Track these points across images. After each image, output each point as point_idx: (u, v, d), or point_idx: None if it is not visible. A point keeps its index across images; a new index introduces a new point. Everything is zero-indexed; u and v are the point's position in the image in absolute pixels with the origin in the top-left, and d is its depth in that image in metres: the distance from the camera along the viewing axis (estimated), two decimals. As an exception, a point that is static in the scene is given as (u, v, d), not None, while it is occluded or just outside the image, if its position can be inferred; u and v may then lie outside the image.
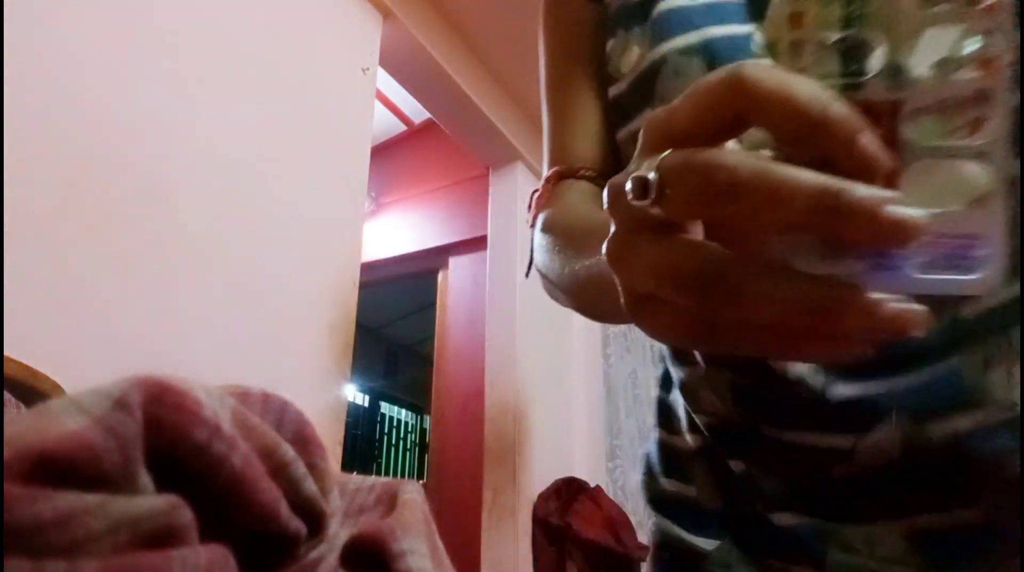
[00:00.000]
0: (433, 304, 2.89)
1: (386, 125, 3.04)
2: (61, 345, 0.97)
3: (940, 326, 0.33)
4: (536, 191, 0.54)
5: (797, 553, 0.38)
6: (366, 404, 5.47)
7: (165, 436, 0.16)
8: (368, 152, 1.75)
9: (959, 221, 0.20)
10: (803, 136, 0.19)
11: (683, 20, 0.44)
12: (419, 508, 0.24)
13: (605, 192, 0.23)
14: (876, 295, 0.19)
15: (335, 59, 1.69)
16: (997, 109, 0.19)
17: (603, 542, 2.24)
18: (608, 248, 0.23)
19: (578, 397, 2.78)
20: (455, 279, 2.81)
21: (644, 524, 2.74)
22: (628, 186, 0.21)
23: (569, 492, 2.38)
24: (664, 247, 0.21)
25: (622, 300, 0.24)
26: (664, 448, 0.49)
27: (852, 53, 0.21)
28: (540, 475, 2.36)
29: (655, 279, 0.21)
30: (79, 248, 1.04)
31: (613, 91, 0.50)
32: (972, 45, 0.19)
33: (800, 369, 0.37)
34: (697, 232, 0.22)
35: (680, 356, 0.46)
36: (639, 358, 2.93)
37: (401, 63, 2.09)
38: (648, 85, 0.45)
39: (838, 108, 0.19)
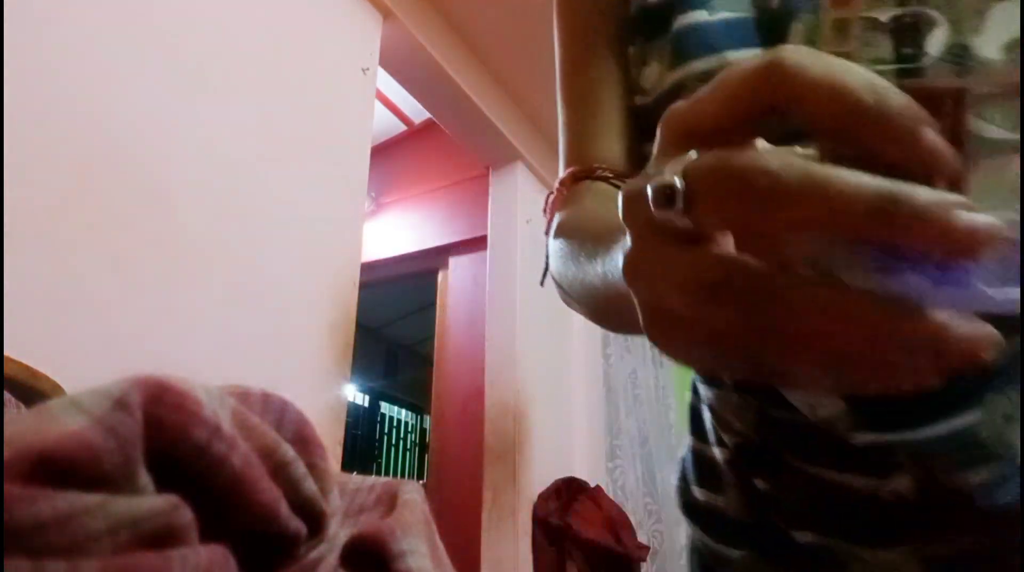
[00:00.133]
0: (433, 304, 2.89)
1: (386, 125, 3.04)
2: (61, 345, 0.97)
3: (963, 379, 0.32)
4: (550, 194, 0.51)
5: (819, 570, 0.39)
6: (366, 404, 5.47)
7: (165, 436, 0.16)
8: (368, 152, 1.75)
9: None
10: (854, 131, 0.17)
11: (702, 42, 0.42)
12: (419, 508, 0.24)
13: (620, 199, 0.21)
14: (944, 315, 0.16)
15: (335, 59, 1.69)
16: None
17: (603, 542, 2.24)
18: (626, 263, 0.21)
19: (578, 397, 2.78)
20: (455, 279, 2.81)
21: (644, 524, 2.74)
22: (649, 194, 0.19)
23: (569, 492, 2.38)
24: (693, 261, 0.18)
25: (641, 320, 0.21)
26: (696, 456, 0.49)
27: (907, 33, 0.18)
28: (540, 475, 2.36)
29: (683, 297, 0.18)
30: (79, 248, 1.04)
31: (638, 101, 0.48)
32: None
33: (826, 412, 0.37)
34: (726, 242, 0.19)
35: (708, 376, 0.46)
36: (639, 358, 2.93)
37: (401, 63, 2.09)
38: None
39: (896, 97, 0.16)
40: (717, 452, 0.46)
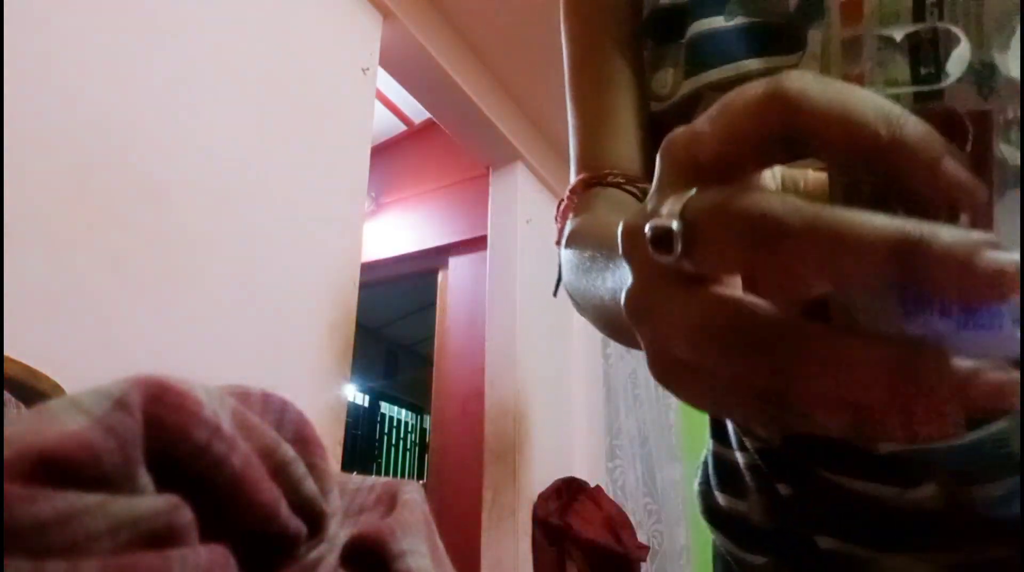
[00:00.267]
0: (433, 304, 2.89)
1: (386, 125, 3.03)
2: (61, 345, 0.97)
3: None
4: (561, 201, 0.49)
5: None
6: (366, 404, 5.47)
7: (165, 436, 0.16)
8: (368, 152, 1.75)
9: None
10: (868, 163, 0.15)
11: (717, 50, 0.41)
12: (419, 508, 0.24)
13: (619, 235, 0.20)
14: (969, 361, 0.15)
15: (335, 59, 1.69)
16: None
17: (603, 542, 2.24)
18: (627, 300, 0.19)
19: (578, 397, 2.78)
20: (455, 279, 2.81)
21: (644, 524, 2.74)
22: (647, 234, 0.18)
23: (569, 492, 2.38)
24: (697, 304, 0.17)
25: (647, 362, 0.20)
26: (718, 460, 0.48)
27: (925, 52, 0.17)
28: (540, 475, 2.36)
29: (686, 341, 0.17)
30: (79, 248, 1.04)
31: (653, 107, 0.47)
32: None
33: None
34: (733, 282, 0.18)
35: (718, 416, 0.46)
36: (639, 358, 2.93)
37: (401, 63, 2.09)
38: (684, 120, 0.42)
39: (912, 127, 0.15)
40: (739, 456, 0.45)
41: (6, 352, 0.78)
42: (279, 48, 1.51)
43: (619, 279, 0.31)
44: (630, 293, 0.19)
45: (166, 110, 1.22)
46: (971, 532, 0.34)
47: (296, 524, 0.20)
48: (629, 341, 0.42)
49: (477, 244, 2.71)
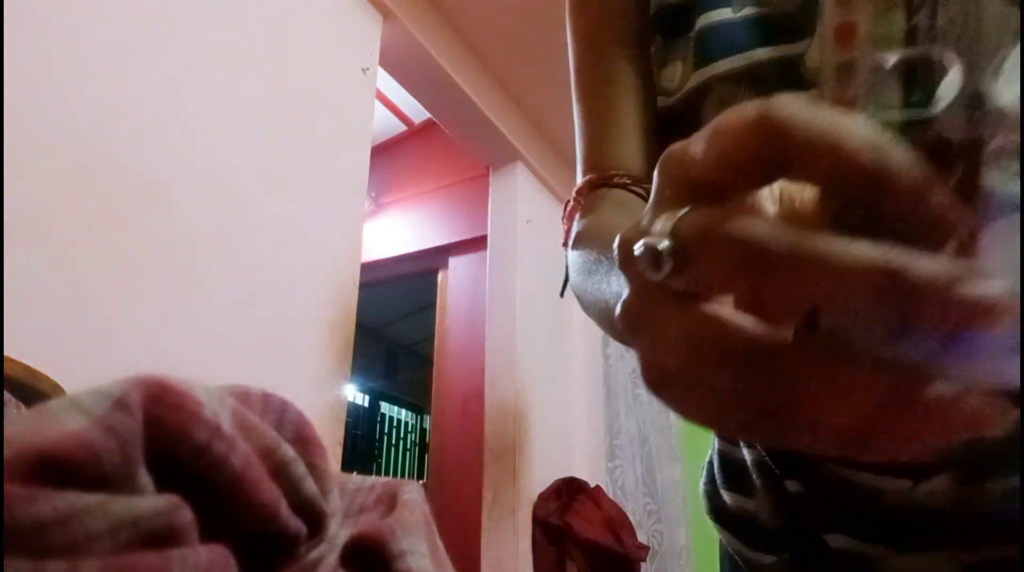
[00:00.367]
0: (433, 304, 2.89)
1: (386, 125, 3.04)
2: (61, 345, 0.97)
3: None
4: (568, 202, 0.49)
5: None
6: (366, 404, 5.47)
7: (165, 436, 0.16)
8: (368, 152, 1.75)
9: None
10: (854, 190, 0.15)
11: (726, 41, 0.41)
12: (419, 508, 0.24)
13: (615, 249, 0.20)
14: (952, 387, 0.15)
15: (335, 59, 1.69)
16: None
17: (603, 542, 2.24)
18: (622, 313, 0.20)
19: (578, 397, 2.78)
20: (455, 279, 2.81)
21: (644, 524, 2.74)
22: (638, 252, 0.18)
23: (569, 492, 2.38)
24: (686, 320, 0.17)
25: (641, 373, 0.20)
26: (724, 459, 0.48)
27: (917, 77, 0.16)
28: (540, 475, 2.36)
29: (677, 357, 0.18)
30: (79, 248, 1.04)
31: (660, 102, 0.46)
32: None
33: None
34: (726, 300, 0.18)
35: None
36: (639, 358, 2.93)
37: (401, 63, 2.09)
38: (693, 113, 0.43)
39: (899, 156, 0.15)
40: (746, 453, 0.45)
41: (6, 352, 0.78)
42: (279, 48, 1.51)
43: (621, 285, 0.31)
44: (625, 305, 0.20)
45: (166, 110, 1.22)
46: (986, 529, 0.33)
47: (296, 524, 0.20)
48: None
49: (477, 244, 2.71)
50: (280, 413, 0.21)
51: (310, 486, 0.20)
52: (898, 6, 0.16)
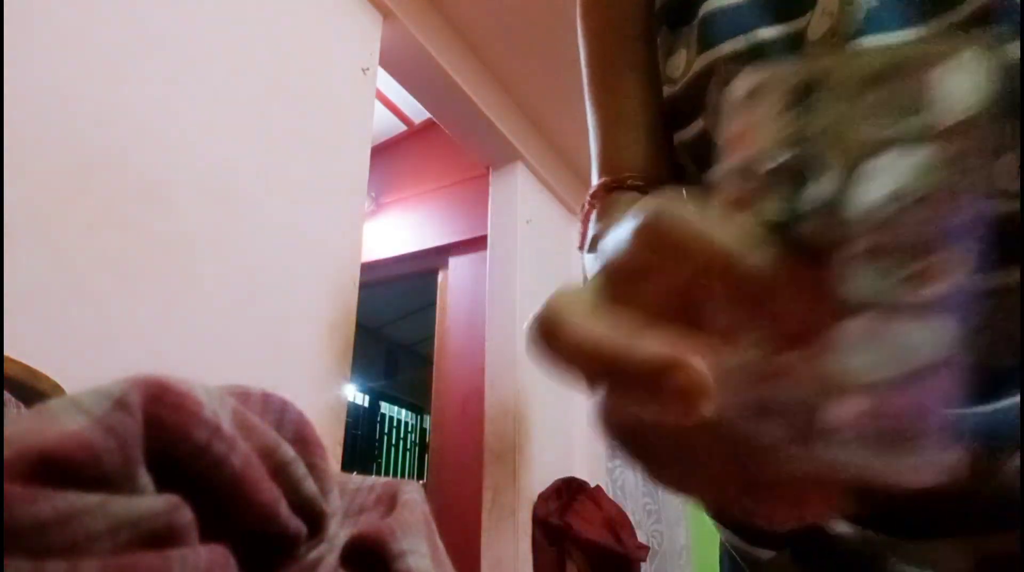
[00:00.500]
0: (433, 304, 2.89)
1: (386, 125, 3.04)
2: (61, 345, 0.97)
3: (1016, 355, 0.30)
4: (583, 205, 0.49)
5: (858, 568, 0.36)
6: (366, 404, 5.47)
7: (165, 436, 0.16)
8: (368, 152, 1.75)
9: (900, 393, 0.16)
10: (716, 291, 0.19)
11: (730, 23, 0.41)
12: (419, 508, 0.24)
13: None
14: (790, 473, 0.17)
15: (335, 59, 1.69)
16: (959, 255, 0.15)
17: (603, 542, 2.24)
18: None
19: (578, 397, 2.78)
20: (455, 279, 2.81)
21: (644, 524, 2.74)
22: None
23: (569, 492, 2.38)
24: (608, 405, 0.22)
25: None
26: None
27: (794, 179, 0.17)
28: (540, 475, 2.36)
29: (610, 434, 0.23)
30: (79, 248, 1.04)
31: (666, 91, 0.47)
32: (936, 174, 0.15)
33: None
34: None
35: None
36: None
37: (401, 63, 2.09)
38: (698, 94, 0.43)
39: (753, 259, 0.17)
40: None
41: (6, 352, 0.78)
42: (279, 48, 1.51)
43: None
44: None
45: (166, 110, 1.22)
46: (1003, 514, 0.31)
47: (296, 524, 0.20)
48: None
49: (477, 244, 2.71)
50: (280, 413, 0.21)
51: (310, 486, 0.20)
52: (779, 115, 0.17)
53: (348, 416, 1.62)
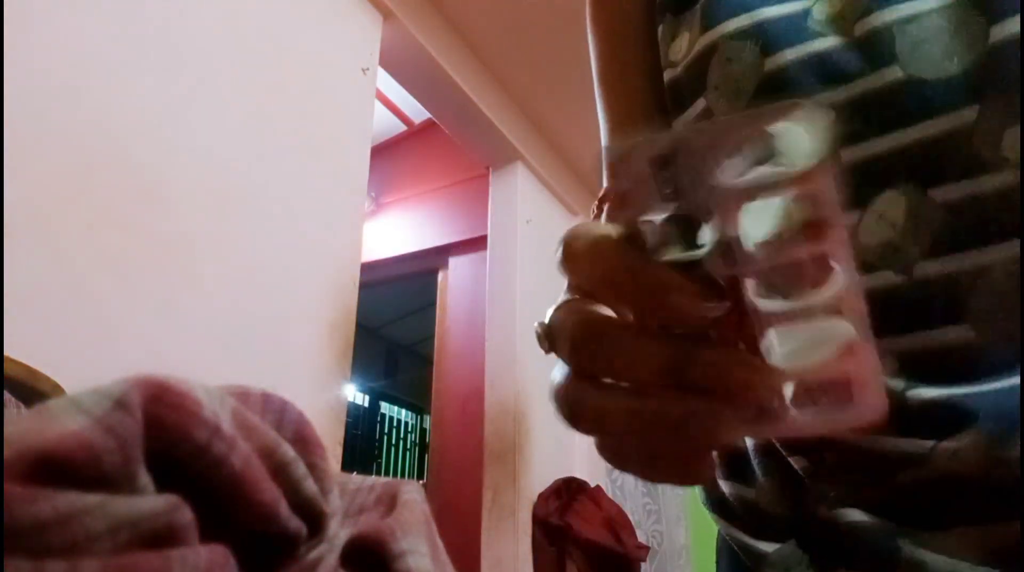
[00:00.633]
0: (433, 304, 2.89)
1: (386, 125, 3.04)
2: (61, 345, 0.97)
3: None
4: (593, 207, 0.50)
5: (867, 557, 0.35)
6: (366, 404, 5.47)
7: (165, 436, 0.16)
8: (368, 152, 1.75)
9: (829, 368, 0.20)
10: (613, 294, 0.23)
11: (734, 3, 0.42)
12: (419, 508, 0.24)
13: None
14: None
15: (335, 59, 1.69)
16: (837, 265, 0.20)
17: (603, 542, 2.24)
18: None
19: (578, 397, 2.78)
20: (455, 279, 2.81)
21: (643, 524, 2.74)
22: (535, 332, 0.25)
23: (569, 492, 2.38)
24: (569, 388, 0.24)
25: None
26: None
27: (684, 227, 0.21)
28: (540, 475, 2.36)
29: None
30: (79, 248, 1.04)
31: (667, 76, 0.47)
32: (798, 211, 0.19)
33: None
34: None
35: None
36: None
37: (401, 63, 2.09)
38: (700, 73, 0.43)
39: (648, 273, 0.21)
40: (746, 438, 0.43)
41: (6, 352, 0.78)
42: (279, 48, 1.51)
43: None
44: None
45: (165, 110, 1.22)
46: (1018, 500, 0.30)
47: (296, 524, 0.20)
48: None
49: (477, 244, 2.71)
50: (280, 413, 0.21)
51: (310, 486, 0.20)
52: (652, 176, 0.20)
53: (348, 416, 1.62)
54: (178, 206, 1.21)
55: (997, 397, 0.30)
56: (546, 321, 0.24)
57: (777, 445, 0.40)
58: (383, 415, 5.65)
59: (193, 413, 0.17)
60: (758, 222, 0.20)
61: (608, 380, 0.22)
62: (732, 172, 0.20)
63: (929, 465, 0.32)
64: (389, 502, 0.24)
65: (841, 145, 0.37)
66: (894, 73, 0.36)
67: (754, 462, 0.43)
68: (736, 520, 0.44)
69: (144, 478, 0.15)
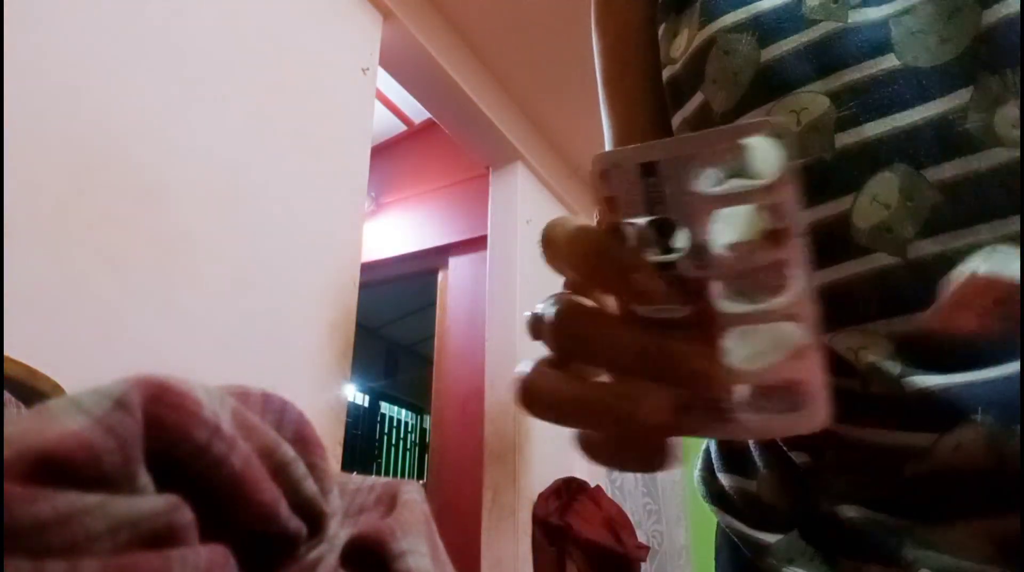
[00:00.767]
0: (433, 304, 2.89)
1: (386, 125, 3.04)
2: (61, 345, 0.97)
3: None
4: (595, 213, 0.51)
5: (869, 551, 0.34)
6: (366, 404, 5.47)
7: (165, 436, 0.16)
8: (368, 152, 1.75)
9: (779, 372, 0.22)
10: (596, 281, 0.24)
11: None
12: (419, 508, 0.24)
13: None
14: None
15: (335, 59, 1.69)
16: (794, 273, 0.21)
17: (603, 542, 2.24)
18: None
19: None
20: (455, 279, 2.81)
21: (643, 524, 2.74)
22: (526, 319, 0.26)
23: (569, 492, 2.38)
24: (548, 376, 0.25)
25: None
26: (722, 441, 0.47)
27: (662, 233, 0.23)
28: (540, 475, 2.36)
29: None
30: (79, 248, 1.04)
31: (666, 74, 0.48)
32: (763, 220, 0.21)
33: (873, 356, 0.34)
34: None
35: None
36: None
37: (401, 63, 2.09)
38: (698, 67, 0.44)
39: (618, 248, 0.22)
40: None
41: (6, 352, 0.78)
42: (279, 48, 1.51)
43: None
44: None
45: (165, 110, 1.22)
46: (1021, 494, 0.29)
47: (296, 524, 0.20)
48: None
49: (477, 244, 2.71)
50: (280, 413, 0.21)
51: (310, 486, 0.20)
52: (639, 183, 0.22)
53: (348, 416, 1.62)
54: (178, 206, 1.21)
55: (997, 386, 0.30)
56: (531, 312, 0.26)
57: (778, 439, 0.40)
58: (383, 415, 5.64)
59: (193, 413, 0.17)
60: (726, 229, 0.21)
61: (581, 369, 0.24)
62: (708, 182, 0.21)
63: (931, 459, 0.32)
64: (389, 502, 0.24)
65: (835, 130, 0.37)
66: (889, 61, 0.37)
67: (755, 455, 0.43)
68: (736, 512, 0.44)
69: (144, 478, 0.15)
